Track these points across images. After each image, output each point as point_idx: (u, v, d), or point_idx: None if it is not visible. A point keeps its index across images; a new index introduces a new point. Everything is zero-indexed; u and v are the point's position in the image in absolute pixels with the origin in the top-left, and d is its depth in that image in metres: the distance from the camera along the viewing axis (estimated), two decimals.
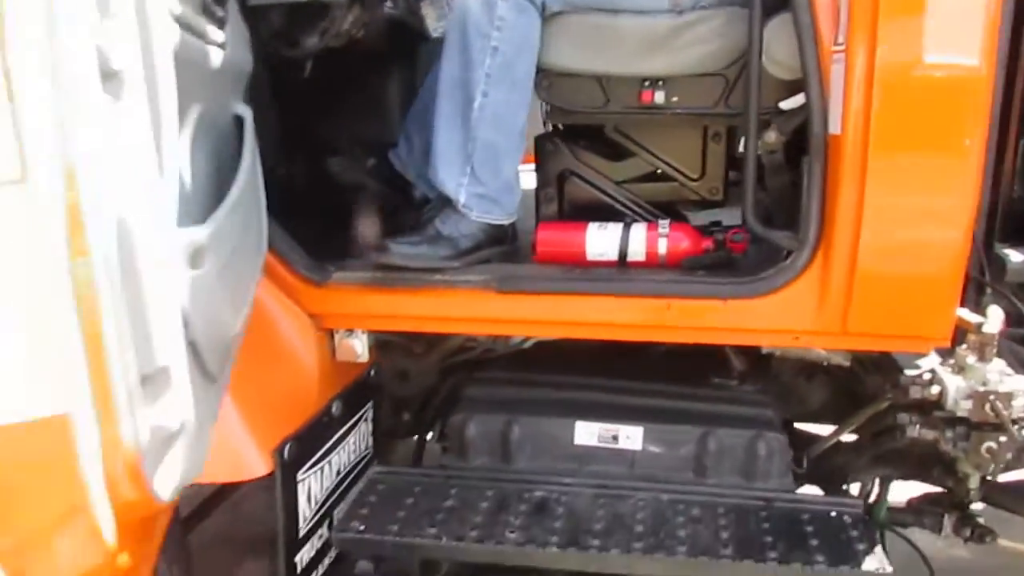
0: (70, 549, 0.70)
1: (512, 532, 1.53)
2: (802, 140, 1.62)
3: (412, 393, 2.23)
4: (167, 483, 0.80)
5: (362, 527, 1.58)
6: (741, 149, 1.85)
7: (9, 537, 0.65)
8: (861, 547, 1.46)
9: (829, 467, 1.94)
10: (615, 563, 1.48)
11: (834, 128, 1.47)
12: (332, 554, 1.87)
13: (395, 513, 1.61)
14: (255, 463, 1.57)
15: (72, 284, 0.60)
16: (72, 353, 0.62)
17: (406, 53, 2.36)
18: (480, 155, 1.71)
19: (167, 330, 0.77)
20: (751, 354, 1.90)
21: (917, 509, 1.96)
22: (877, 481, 1.96)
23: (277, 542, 1.66)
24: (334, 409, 1.84)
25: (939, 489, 1.96)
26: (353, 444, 1.97)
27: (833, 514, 1.57)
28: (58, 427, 0.64)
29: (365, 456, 2.05)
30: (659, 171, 1.92)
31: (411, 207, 2.20)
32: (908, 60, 1.38)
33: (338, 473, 1.90)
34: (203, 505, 2.22)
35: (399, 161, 2.17)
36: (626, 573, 1.50)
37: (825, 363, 1.92)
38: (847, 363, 1.74)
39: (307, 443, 1.70)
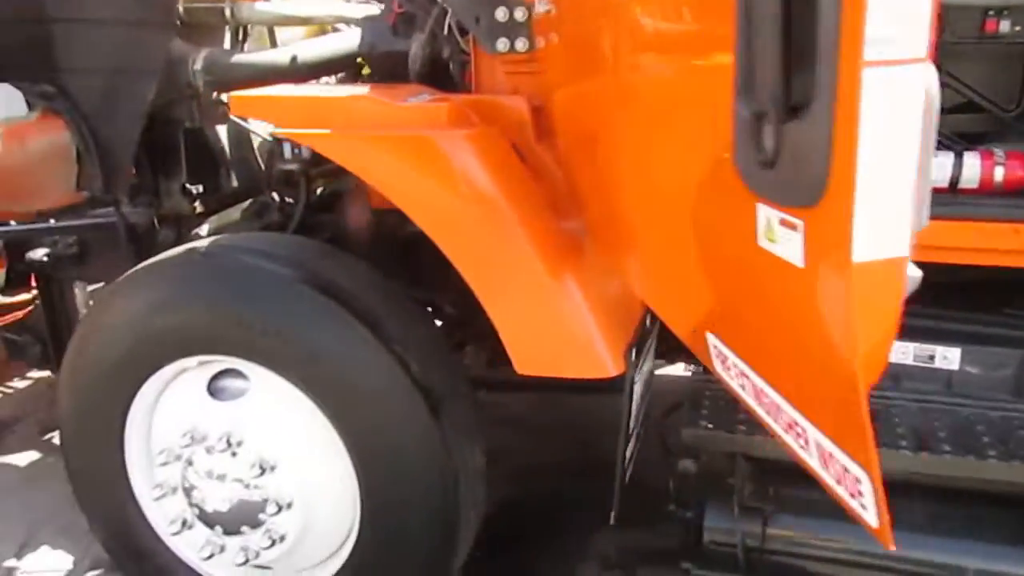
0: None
1: None
2: None
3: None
4: None
5: (710, 424, 1.71)
6: None
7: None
8: None
9: None
10: (968, 468, 1.57)
11: None
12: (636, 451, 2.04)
13: (734, 415, 1.74)
14: (609, 363, 1.71)
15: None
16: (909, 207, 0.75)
17: None
18: None
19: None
20: None
21: None
22: None
23: (620, 435, 1.83)
24: (647, 320, 1.98)
25: None
26: (651, 354, 2.11)
27: None
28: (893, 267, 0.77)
29: (653, 368, 2.19)
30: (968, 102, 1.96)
31: None
32: None
33: (646, 382, 2.04)
34: None
35: None
36: (977, 478, 1.60)
37: None
38: None
39: (639, 349, 1.84)
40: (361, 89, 1.87)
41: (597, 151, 1.53)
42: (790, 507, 1.84)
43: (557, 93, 1.75)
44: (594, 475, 3.11)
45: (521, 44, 1.82)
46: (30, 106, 2.49)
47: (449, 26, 1.95)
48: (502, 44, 1.83)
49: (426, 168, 1.66)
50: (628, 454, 1.88)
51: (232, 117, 2.69)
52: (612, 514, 1.85)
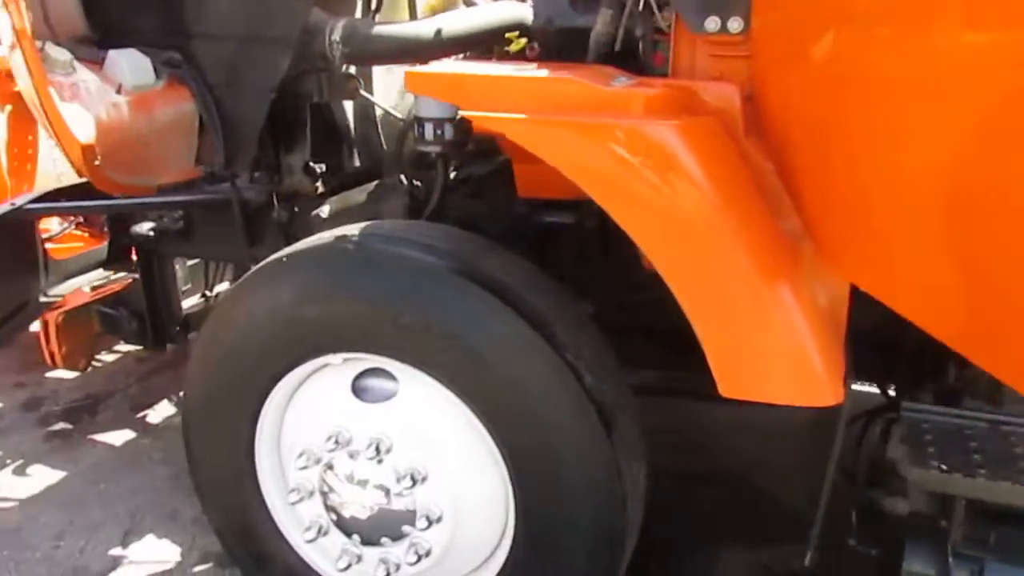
0: None
1: None
2: None
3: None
4: None
5: (944, 466, 1.51)
6: None
7: None
8: None
9: None
10: None
11: None
12: None
13: (967, 456, 1.54)
14: (828, 391, 1.52)
15: None
16: None
17: None
18: None
19: None
20: None
21: None
22: None
23: (828, 471, 1.64)
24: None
25: None
26: None
27: None
28: None
29: None
30: None
31: None
32: None
33: None
34: None
35: None
36: None
37: None
38: None
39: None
40: (555, 70, 1.68)
41: (855, 148, 1.33)
42: (1011, 558, 1.63)
43: (777, 80, 1.54)
44: (712, 483, 2.93)
45: (735, 24, 1.61)
46: (157, 74, 2.35)
47: (646, 0, 1.74)
48: (712, 23, 1.62)
49: (639, 162, 1.46)
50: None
51: (362, 92, 2.52)
52: (808, 555, 1.66)
